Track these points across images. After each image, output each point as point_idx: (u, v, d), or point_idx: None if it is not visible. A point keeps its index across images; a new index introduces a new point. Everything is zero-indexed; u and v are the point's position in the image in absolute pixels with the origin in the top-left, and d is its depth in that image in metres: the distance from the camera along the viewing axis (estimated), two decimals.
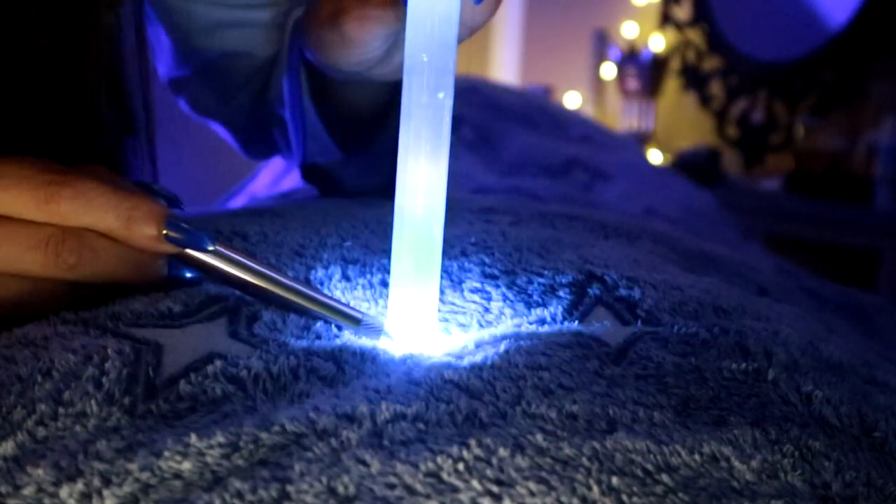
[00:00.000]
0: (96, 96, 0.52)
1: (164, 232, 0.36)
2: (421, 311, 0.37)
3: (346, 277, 0.43)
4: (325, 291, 0.39)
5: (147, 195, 0.37)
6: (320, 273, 0.43)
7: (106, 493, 0.25)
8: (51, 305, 0.36)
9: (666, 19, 2.87)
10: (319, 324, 0.39)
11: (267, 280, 0.37)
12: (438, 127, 0.36)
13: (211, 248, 0.37)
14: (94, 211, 0.35)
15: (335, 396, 0.30)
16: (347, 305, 0.38)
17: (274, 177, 1.21)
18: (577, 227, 0.54)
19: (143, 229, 0.36)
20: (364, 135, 0.59)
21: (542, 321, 0.39)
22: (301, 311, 0.38)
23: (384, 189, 0.59)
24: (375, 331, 0.37)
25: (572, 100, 2.92)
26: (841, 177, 2.23)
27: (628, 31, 2.94)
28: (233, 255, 0.38)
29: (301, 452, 0.26)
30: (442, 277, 0.40)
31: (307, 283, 0.40)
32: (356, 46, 0.45)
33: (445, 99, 0.36)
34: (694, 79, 2.78)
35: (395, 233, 0.37)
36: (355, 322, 0.37)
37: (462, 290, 0.43)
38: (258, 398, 0.30)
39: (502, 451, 0.26)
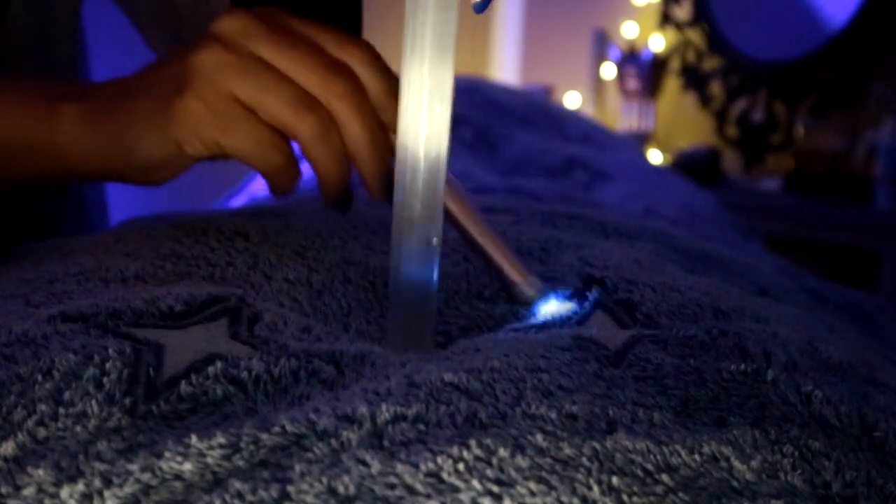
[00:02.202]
0: None
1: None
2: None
3: (347, 279, 0.43)
4: (516, 255, 0.42)
5: None
6: (322, 275, 0.43)
7: (107, 493, 0.25)
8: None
9: (666, 19, 2.87)
10: (320, 326, 0.39)
11: (466, 217, 0.41)
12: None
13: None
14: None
15: (335, 398, 0.30)
16: (522, 266, 0.41)
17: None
18: (578, 227, 0.54)
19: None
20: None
21: (542, 325, 0.39)
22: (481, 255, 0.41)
23: None
24: (535, 294, 0.41)
25: (572, 100, 2.92)
26: (841, 177, 2.23)
27: (628, 31, 2.94)
28: (450, 178, 0.39)
29: (301, 453, 0.27)
30: (443, 282, 0.40)
31: (502, 236, 0.42)
32: None
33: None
34: (694, 79, 2.78)
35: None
36: (514, 286, 0.41)
37: (463, 295, 0.43)
38: (259, 399, 0.30)
39: (502, 452, 0.26)
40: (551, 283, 0.42)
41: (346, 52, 0.40)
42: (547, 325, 0.39)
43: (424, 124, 0.36)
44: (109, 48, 0.94)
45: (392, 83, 0.40)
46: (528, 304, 0.41)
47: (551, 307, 0.40)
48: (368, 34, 0.45)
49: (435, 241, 0.37)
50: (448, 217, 0.40)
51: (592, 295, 0.41)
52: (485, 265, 0.42)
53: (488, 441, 0.27)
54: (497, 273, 0.41)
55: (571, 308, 0.40)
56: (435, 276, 0.38)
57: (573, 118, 1.41)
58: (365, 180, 0.41)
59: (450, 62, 0.36)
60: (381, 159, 0.40)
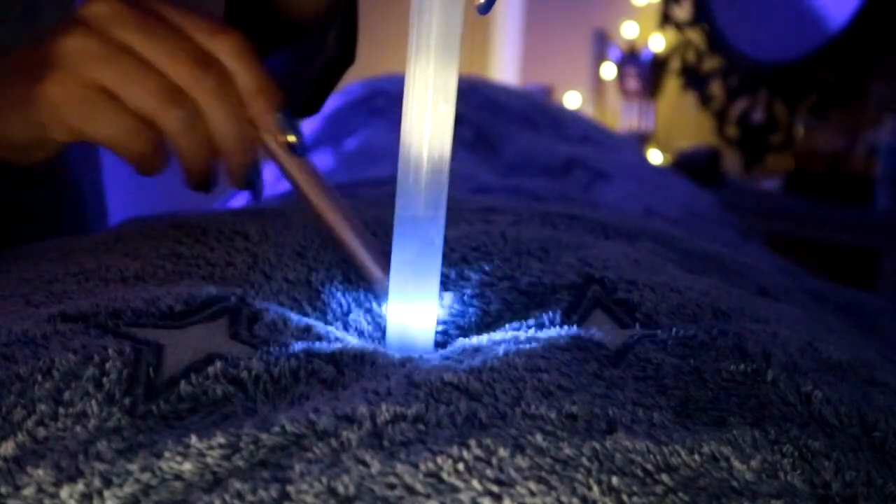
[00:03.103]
0: None
1: (278, 115, 0.41)
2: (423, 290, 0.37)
3: (346, 279, 0.43)
4: (380, 250, 0.41)
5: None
6: (322, 275, 0.43)
7: (106, 493, 0.25)
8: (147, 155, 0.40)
9: (666, 19, 2.87)
10: (320, 325, 0.39)
11: (328, 209, 0.41)
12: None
13: (304, 153, 0.41)
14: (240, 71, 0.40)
15: (335, 398, 0.30)
16: (382, 263, 0.40)
17: (274, 177, 1.21)
18: (577, 227, 0.54)
19: (268, 100, 0.40)
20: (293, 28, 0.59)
21: (540, 324, 0.39)
22: (340, 247, 0.41)
23: (298, 111, 0.60)
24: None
25: (572, 100, 2.92)
26: (841, 177, 2.23)
27: (628, 31, 2.94)
28: (314, 171, 0.41)
29: (301, 453, 0.27)
30: (442, 280, 0.40)
31: (367, 232, 0.42)
32: None
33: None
34: (694, 79, 2.78)
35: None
36: (375, 282, 0.40)
37: (462, 294, 0.43)
38: (258, 399, 0.30)
39: (502, 452, 0.26)
40: (352, 319, 0.41)
41: (217, 43, 0.40)
42: (546, 325, 0.39)
43: (428, 124, 0.36)
44: None
45: (260, 77, 0.40)
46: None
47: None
48: (373, 34, 0.45)
49: (437, 240, 0.37)
50: (303, 202, 0.41)
51: (592, 294, 0.41)
52: (345, 258, 0.41)
53: (488, 441, 0.27)
54: (356, 266, 0.41)
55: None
56: (437, 275, 0.38)
57: (573, 118, 1.41)
58: (228, 171, 0.42)
59: (454, 62, 0.36)
60: (245, 152, 0.41)
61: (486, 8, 0.38)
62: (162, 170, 0.42)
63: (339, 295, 0.42)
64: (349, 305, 0.42)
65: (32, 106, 0.39)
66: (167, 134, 0.40)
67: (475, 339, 0.38)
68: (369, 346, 0.37)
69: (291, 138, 0.41)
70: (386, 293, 0.38)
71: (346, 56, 0.60)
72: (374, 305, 0.42)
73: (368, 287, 0.41)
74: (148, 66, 0.39)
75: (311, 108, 0.62)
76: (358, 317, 0.42)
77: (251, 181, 0.42)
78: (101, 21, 0.39)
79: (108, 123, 0.39)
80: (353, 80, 1.29)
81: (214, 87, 0.39)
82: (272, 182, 1.20)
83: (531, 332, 0.38)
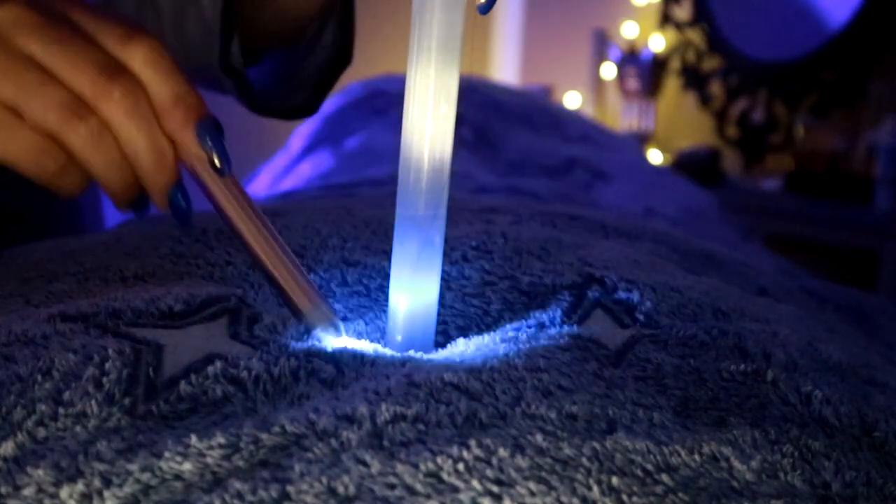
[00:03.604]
0: None
1: (198, 129, 0.37)
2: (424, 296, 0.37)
3: (344, 282, 0.43)
4: (309, 279, 0.37)
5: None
6: (322, 275, 0.43)
7: (106, 493, 0.25)
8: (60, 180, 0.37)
9: (666, 19, 2.87)
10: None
11: (254, 234, 0.37)
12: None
13: (227, 168, 0.37)
14: (154, 82, 0.36)
15: (335, 398, 0.30)
16: (314, 294, 0.36)
17: (274, 177, 1.21)
18: (578, 227, 0.54)
19: (186, 113, 0.37)
20: (290, 33, 0.58)
21: (541, 324, 0.39)
22: (266, 277, 0.37)
23: (296, 111, 0.59)
24: (326, 325, 0.36)
25: (572, 100, 2.92)
26: (841, 177, 2.23)
27: (628, 31, 2.94)
28: (240, 192, 0.37)
29: (301, 453, 0.27)
30: (442, 279, 0.40)
31: (294, 259, 0.38)
32: None
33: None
34: (694, 79, 2.78)
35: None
36: (302, 314, 0.36)
37: (462, 294, 0.43)
38: (258, 399, 0.30)
39: (502, 452, 0.26)
40: (350, 320, 0.39)
41: (128, 51, 0.36)
42: (546, 325, 0.39)
43: (430, 124, 0.36)
44: None
45: (176, 87, 0.37)
46: (315, 334, 0.36)
47: (342, 342, 0.36)
48: (373, 34, 0.45)
49: (437, 240, 0.37)
50: (231, 228, 0.37)
51: (592, 293, 0.41)
52: (272, 288, 0.37)
53: (488, 441, 0.27)
54: (284, 299, 0.37)
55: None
56: (437, 275, 0.38)
57: (573, 118, 1.41)
58: (148, 191, 0.38)
59: (455, 63, 0.36)
60: (163, 169, 0.37)
61: (487, 8, 0.38)
62: (80, 191, 0.38)
63: (338, 295, 0.42)
64: (348, 306, 0.42)
65: None
66: (71, 151, 0.36)
67: (475, 339, 0.38)
68: (370, 345, 0.37)
69: (213, 157, 0.37)
70: (315, 323, 0.36)
71: (343, 56, 0.60)
72: (374, 306, 0.42)
73: (299, 319, 0.36)
74: (49, 77, 0.35)
75: (309, 109, 0.62)
76: (357, 317, 0.42)
77: (176, 204, 0.38)
78: (2, 28, 0.36)
79: (8, 142, 0.36)
80: (353, 80, 1.29)
81: (122, 98, 0.36)
82: (268, 184, 1.20)
83: (531, 331, 0.38)
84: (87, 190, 0.38)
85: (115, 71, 0.36)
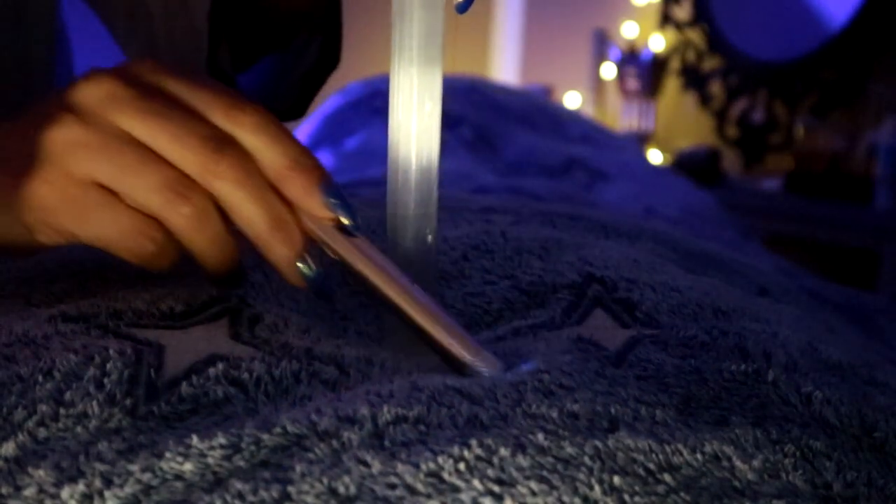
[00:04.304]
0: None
1: (323, 191, 0.34)
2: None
3: (345, 282, 0.43)
4: (461, 328, 0.35)
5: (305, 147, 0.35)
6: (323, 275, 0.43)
7: (107, 494, 0.25)
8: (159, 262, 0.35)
9: (666, 19, 2.87)
10: (320, 326, 0.38)
11: (400, 293, 0.34)
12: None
13: (358, 228, 0.35)
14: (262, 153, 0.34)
15: (337, 399, 0.30)
16: (470, 341, 0.34)
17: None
18: (578, 227, 0.54)
19: (309, 176, 0.34)
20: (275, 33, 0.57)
21: (541, 323, 0.39)
22: (418, 333, 0.35)
23: (284, 114, 0.58)
24: (493, 370, 0.34)
25: (572, 100, 2.92)
26: (841, 177, 2.23)
27: (628, 31, 2.94)
28: (374, 251, 0.35)
29: (302, 453, 0.27)
30: (443, 279, 0.40)
31: (441, 308, 0.36)
32: None
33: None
34: (694, 79, 2.78)
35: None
36: (462, 365, 0.34)
37: (462, 293, 0.43)
38: (259, 401, 0.30)
39: (503, 451, 0.26)
40: (507, 360, 0.35)
41: (234, 121, 0.34)
42: (546, 324, 0.39)
43: (415, 122, 0.36)
44: (95, 56, 0.94)
45: (292, 152, 0.34)
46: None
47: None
48: (372, 34, 0.45)
49: (430, 238, 0.37)
50: (367, 288, 0.35)
51: (592, 293, 0.41)
52: (428, 344, 0.35)
53: (489, 441, 0.27)
54: (443, 354, 0.35)
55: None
56: (434, 272, 0.38)
57: (573, 118, 1.41)
58: (275, 266, 0.35)
59: (438, 60, 0.36)
60: (288, 240, 0.34)
61: (465, 7, 0.37)
62: (175, 263, 0.36)
63: (338, 295, 0.42)
64: (349, 306, 0.42)
65: (19, 207, 0.34)
66: (174, 232, 0.34)
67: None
68: (370, 347, 0.37)
69: (343, 217, 0.35)
70: (484, 371, 0.33)
71: (330, 59, 0.60)
72: (374, 306, 0.42)
73: (461, 372, 0.34)
74: (150, 155, 0.34)
75: (296, 112, 0.62)
76: (357, 317, 0.42)
77: (312, 280, 0.35)
78: (95, 106, 0.34)
79: (104, 225, 0.34)
80: (353, 80, 1.29)
81: (230, 169, 0.33)
82: None
83: (531, 333, 0.38)
84: (175, 264, 0.36)
85: (223, 142, 0.34)
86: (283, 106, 0.60)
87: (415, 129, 0.36)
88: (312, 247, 0.35)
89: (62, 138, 0.33)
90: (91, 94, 0.34)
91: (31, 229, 0.35)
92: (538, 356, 0.34)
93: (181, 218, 0.33)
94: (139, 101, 0.34)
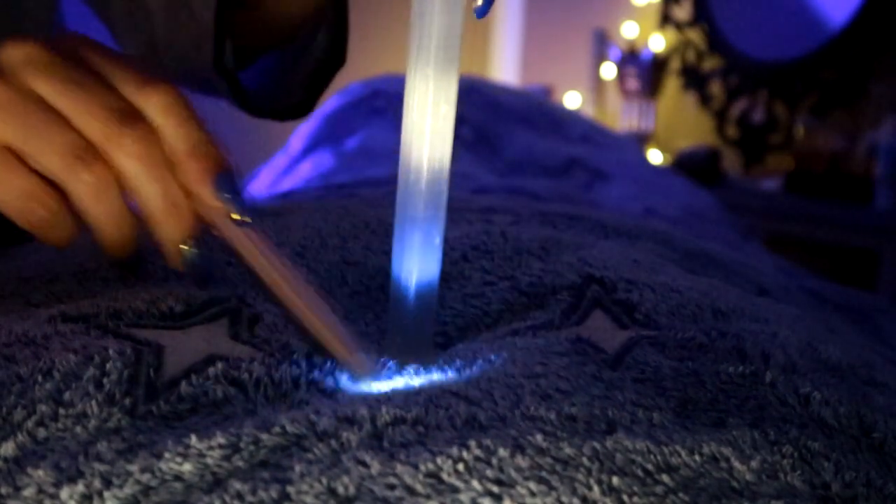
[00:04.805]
0: None
1: (216, 182, 0.35)
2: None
3: (344, 282, 0.43)
4: (341, 325, 0.35)
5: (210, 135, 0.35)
6: (322, 276, 0.43)
7: (106, 494, 0.25)
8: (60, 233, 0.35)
9: (666, 19, 2.87)
10: None
11: (281, 286, 0.35)
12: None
13: (248, 219, 0.35)
14: (169, 133, 0.35)
15: (335, 401, 0.30)
16: (347, 340, 0.34)
17: (274, 177, 1.21)
18: (577, 227, 0.54)
19: (205, 163, 0.35)
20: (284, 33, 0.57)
21: (540, 325, 0.39)
22: (297, 327, 0.35)
23: (289, 112, 0.59)
24: (364, 373, 0.34)
25: (572, 100, 2.92)
26: (841, 177, 2.23)
27: (628, 31, 2.94)
28: (263, 243, 0.35)
29: (301, 454, 0.27)
30: (443, 280, 0.40)
31: (325, 306, 0.36)
32: None
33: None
34: (694, 79, 2.78)
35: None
36: (340, 361, 0.34)
37: (462, 294, 0.43)
38: (259, 402, 0.31)
39: (502, 452, 0.27)
40: (384, 361, 0.36)
41: (144, 97, 0.35)
42: (545, 326, 0.39)
43: (429, 124, 0.36)
44: None
45: (194, 136, 0.35)
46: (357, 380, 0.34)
47: (382, 385, 0.34)
48: (373, 34, 0.45)
49: (437, 240, 0.37)
50: (257, 280, 0.36)
51: (591, 294, 0.41)
52: (308, 339, 0.35)
53: (488, 441, 0.27)
54: (322, 349, 0.35)
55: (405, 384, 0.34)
56: (437, 275, 0.38)
57: (573, 118, 1.41)
58: (160, 246, 0.35)
59: (455, 63, 0.36)
60: (178, 223, 0.35)
61: (483, 11, 0.37)
62: (68, 243, 0.36)
63: (338, 296, 0.42)
64: (348, 307, 0.42)
65: None
66: (72, 199, 0.34)
67: (474, 345, 0.38)
68: (370, 348, 0.37)
69: (232, 211, 0.35)
70: (355, 371, 0.34)
71: (336, 57, 0.60)
72: (374, 306, 0.42)
73: (340, 367, 0.35)
74: (58, 120, 0.34)
75: (303, 109, 0.62)
76: (357, 318, 0.42)
77: (192, 263, 0.36)
78: (13, 66, 0.34)
79: (2, 185, 0.34)
80: (353, 80, 1.29)
81: (134, 145, 0.34)
82: (268, 184, 1.20)
83: (530, 334, 0.38)
84: (74, 242, 0.36)
85: (130, 117, 0.34)
86: (289, 104, 0.61)
87: (429, 131, 0.36)
88: (205, 232, 0.36)
89: None
90: (10, 55, 0.34)
91: None
92: (536, 354, 0.34)
93: (81, 184, 0.34)
94: (56, 66, 0.34)
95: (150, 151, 0.34)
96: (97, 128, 0.34)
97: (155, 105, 0.35)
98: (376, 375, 0.34)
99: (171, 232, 0.35)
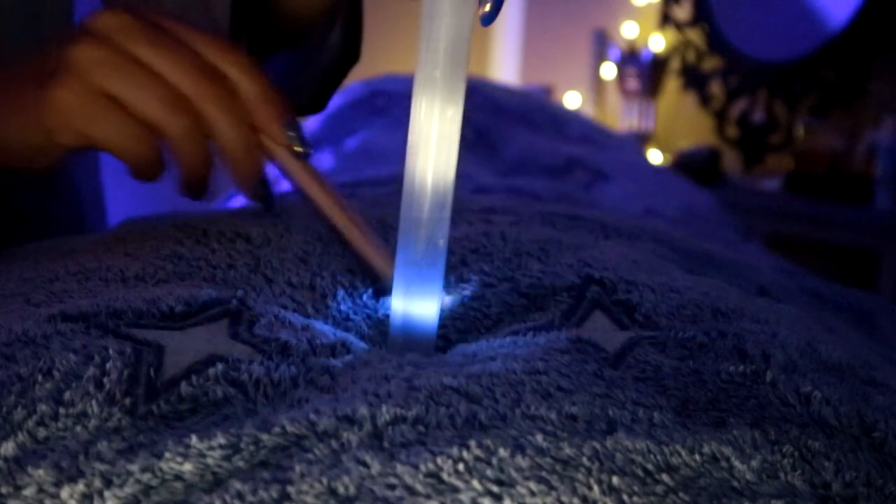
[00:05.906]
0: None
1: (284, 122, 0.43)
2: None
3: (350, 284, 0.43)
4: (384, 245, 0.43)
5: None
6: (326, 279, 0.43)
7: (107, 494, 0.25)
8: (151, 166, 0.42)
9: (666, 19, 2.87)
10: (320, 322, 0.39)
11: (333, 209, 0.43)
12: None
13: (310, 152, 0.43)
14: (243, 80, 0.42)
15: (335, 399, 0.30)
16: (387, 256, 0.41)
17: (274, 176, 1.21)
18: (577, 228, 0.54)
19: (275, 108, 0.42)
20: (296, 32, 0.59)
21: (540, 327, 0.39)
22: (343, 243, 0.43)
23: (303, 109, 0.62)
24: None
25: (572, 100, 2.92)
26: (841, 177, 2.23)
27: (628, 31, 2.94)
28: (318, 174, 0.43)
29: (301, 454, 0.27)
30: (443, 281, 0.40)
31: (370, 227, 0.44)
32: None
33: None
34: (694, 79, 2.78)
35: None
36: (380, 276, 0.42)
37: (462, 296, 0.43)
38: (259, 402, 0.31)
39: (502, 452, 0.27)
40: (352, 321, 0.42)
41: (221, 57, 0.41)
42: (545, 327, 0.39)
43: (436, 126, 0.36)
44: None
45: (265, 87, 0.42)
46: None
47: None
48: (375, 34, 0.46)
49: (441, 242, 0.37)
50: (310, 204, 0.43)
51: (591, 294, 0.41)
52: (352, 255, 0.43)
53: (488, 441, 0.27)
54: (363, 263, 0.43)
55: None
56: (440, 277, 0.38)
57: (573, 118, 1.41)
58: (238, 180, 0.43)
59: (463, 66, 0.36)
60: (252, 161, 0.42)
61: (490, 19, 0.38)
62: (159, 176, 0.43)
63: (341, 298, 0.42)
64: (351, 309, 0.42)
65: (40, 110, 0.41)
66: (170, 140, 0.41)
67: (475, 344, 0.38)
68: (370, 349, 0.37)
69: (297, 145, 0.43)
70: (391, 287, 0.39)
71: (350, 53, 0.60)
72: (377, 309, 0.42)
73: (376, 282, 0.42)
74: (154, 75, 0.40)
75: (317, 106, 0.63)
76: (360, 320, 0.42)
77: (261, 193, 0.45)
78: (110, 31, 0.40)
79: (112, 127, 0.40)
80: (354, 79, 1.29)
81: (219, 96, 0.40)
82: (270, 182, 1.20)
83: (530, 335, 0.38)
84: (161, 176, 0.43)
85: (212, 73, 0.41)
86: (303, 100, 0.61)
87: (435, 134, 0.36)
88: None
89: (82, 55, 0.40)
90: (108, 22, 0.41)
91: (52, 131, 0.41)
92: (538, 351, 0.34)
93: (178, 128, 0.40)
94: (147, 31, 0.41)
95: (231, 100, 0.41)
96: (188, 82, 0.40)
97: (231, 63, 0.41)
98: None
99: (248, 168, 0.43)
